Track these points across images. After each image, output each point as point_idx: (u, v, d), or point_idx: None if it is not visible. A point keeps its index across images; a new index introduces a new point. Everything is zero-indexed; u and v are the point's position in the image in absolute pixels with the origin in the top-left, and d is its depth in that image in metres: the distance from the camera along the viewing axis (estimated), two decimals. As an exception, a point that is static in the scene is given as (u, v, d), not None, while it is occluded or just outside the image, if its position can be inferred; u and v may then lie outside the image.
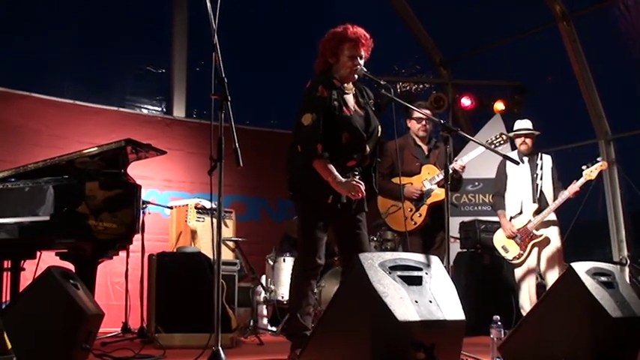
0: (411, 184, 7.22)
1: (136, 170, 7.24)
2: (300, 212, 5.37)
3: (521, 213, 7.98)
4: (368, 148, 5.40)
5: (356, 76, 5.33)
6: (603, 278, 4.62)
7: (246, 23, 11.36)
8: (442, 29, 12.66)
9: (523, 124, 8.18)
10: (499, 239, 8.13)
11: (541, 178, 7.94)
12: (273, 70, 11.99)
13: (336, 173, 5.11)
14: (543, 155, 8.12)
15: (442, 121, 5.48)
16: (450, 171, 6.89)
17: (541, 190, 7.91)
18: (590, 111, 11.14)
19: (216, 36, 4.30)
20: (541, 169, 7.98)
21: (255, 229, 10.86)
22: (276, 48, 12.03)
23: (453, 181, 7.04)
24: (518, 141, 8.13)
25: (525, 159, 8.07)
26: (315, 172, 5.14)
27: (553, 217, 7.91)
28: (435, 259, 4.06)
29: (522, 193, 8.01)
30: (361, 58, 5.32)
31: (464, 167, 7.06)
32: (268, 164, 10.37)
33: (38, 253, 6.53)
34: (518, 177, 8.06)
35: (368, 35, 5.35)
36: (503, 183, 8.18)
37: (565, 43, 10.98)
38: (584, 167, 7.67)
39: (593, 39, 10.91)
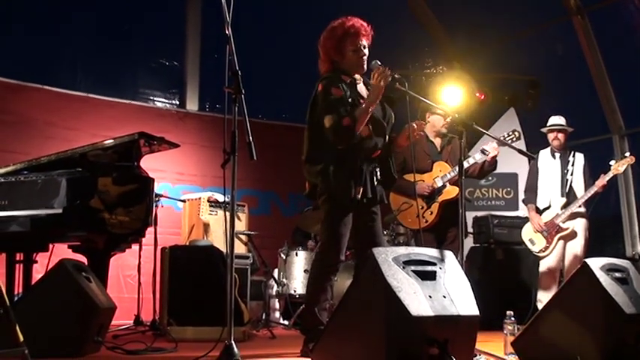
0: (423, 181, 7.19)
1: (148, 163, 7.25)
2: (327, 211, 5.33)
3: (549, 207, 8.05)
4: (387, 137, 5.40)
5: (365, 67, 5.31)
6: (617, 274, 4.59)
7: (258, 16, 11.32)
8: (455, 22, 12.60)
9: (556, 119, 8.24)
10: (527, 232, 8.21)
11: (571, 174, 8.01)
12: (285, 63, 11.96)
13: (364, 105, 5.19)
14: (576, 153, 8.20)
15: (457, 115, 5.44)
16: (485, 158, 6.89)
17: (570, 186, 7.99)
18: (604, 106, 11.08)
19: (229, 28, 4.28)
20: (572, 165, 8.06)
21: (266, 223, 10.85)
22: (289, 41, 11.99)
23: (487, 167, 7.04)
24: (550, 136, 8.22)
25: (557, 155, 8.17)
26: (341, 168, 5.16)
27: (582, 211, 7.98)
28: (449, 254, 4.04)
29: (552, 188, 8.09)
30: (365, 48, 5.32)
31: (497, 150, 6.98)
32: (280, 158, 10.35)
33: (51, 246, 6.54)
34: (549, 172, 8.16)
35: (365, 23, 5.34)
36: (534, 178, 8.28)
37: (579, 37, 10.92)
38: (612, 162, 7.77)
39: (608, 34, 10.86)
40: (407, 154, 6.83)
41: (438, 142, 7.43)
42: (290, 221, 10.86)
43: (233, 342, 4.04)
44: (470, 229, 9.48)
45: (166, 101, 11.37)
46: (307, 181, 5.45)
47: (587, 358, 3.99)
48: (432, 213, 7.12)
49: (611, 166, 7.75)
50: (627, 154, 7.90)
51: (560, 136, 8.12)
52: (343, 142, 5.16)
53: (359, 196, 5.20)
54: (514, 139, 7.07)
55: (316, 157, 5.28)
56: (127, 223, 6.47)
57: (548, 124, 8.26)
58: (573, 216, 7.92)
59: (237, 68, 4.25)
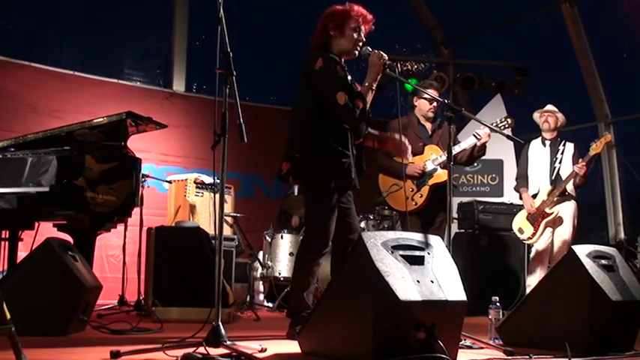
0: (413, 163, 7.20)
1: (132, 144, 7.22)
2: (313, 194, 5.30)
3: (537, 194, 8.16)
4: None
5: (356, 52, 5.30)
6: (604, 261, 4.62)
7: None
8: (444, 8, 12.61)
9: (548, 106, 8.34)
10: (517, 222, 8.33)
11: (560, 162, 8.09)
12: (273, 46, 11.94)
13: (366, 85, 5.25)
14: (567, 143, 8.26)
15: (447, 101, 5.44)
16: (476, 142, 6.92)
17: (558, 173, 8.08)
18: (590, 94, 11.15)
19: (222, 9, 4.25)
20: (562, 154, 8.14)
21: (249, 205, 10.80)
22: (277, 25, 11.98)
23: (476, 153, 7.07)
24: (541, 120, 8.30)
25: (548, 143, 8.27)
26: (334, 153, 5.15)
27: (569, 196, 8.07)
28: (437, 239, 4.04)
29: (541, 176, 8.21)
30: (363, 35, 5.31)
31: (488, 135, 6.99)
32: (265, 141, 10.28)
33: (36, 224, 6.52)
34: (538, 160, 8.26)
35: (371, 17, 5.33)
36: (525, 166, 8.40)
37: (567, 25, 10.95)
38: (591, 143, 7.85)
39: (596, 22, 10.89)
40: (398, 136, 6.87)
41: (428, 126, 7.43)
42: (274, 204, 10.85)
43: (220, 323, 4.03)
44: (455, 215, 9.50)
45: (152, 81, 11.33)
46: (285, 162, 5.35)
47: (573, 345, 4.00)
48: (421, 196, 7.12)
49: (590, 147, 7.83)
50: (605, 132, 7.97)
51: (550, 119, 8.17)
52: (354, 122, 5.17)
53: (345, 181, 5.23)
54: (506, 125, 7.08)
55: (308, 138, 5.24)
56: (111, 201, 6.45)
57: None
58: (561, 200, 8.01)
59: (229, 50, 4.22)
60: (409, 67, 12.13)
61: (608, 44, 10.95)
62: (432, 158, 7.19)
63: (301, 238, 8.29)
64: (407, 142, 5.63)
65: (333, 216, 5.22)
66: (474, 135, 7.01)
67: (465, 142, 7.08)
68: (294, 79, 5.44)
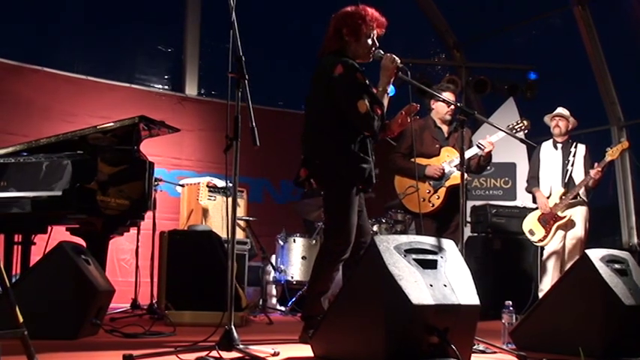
0: (429, 165, 7.21)
1: (144, 148, 7.22)
2: (336, 200, 5.25)
3: (549, 197, 8.16)
4: None
5: (371, 57, 5.29)
6: (617, 266, 4.60)
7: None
8: (456, 12, 12.60)
9: (560, 109, 8.32)
10: (527, 223, 8.35)
11: (572, 165, 8.11)
12: (282, 50, 11.95)
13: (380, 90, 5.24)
14: (578, 144, 8.28)
15: (460, 104, 5.43)
16: (480, 152, 6.94)
17: (570, 176, 8.09)
18: (603, 97, 11.12)
19: (234, 13, 4.26)
20: (573, 156, 8.16)
21: (258, 210, 10.79)
22: (286, 29, 12.00)
23: (482, 162, 7.08)
24: (552, 124, 8.32)
25: (559, 146, 8.28)
26: (355, 158, 5.13)
27: (582, 199, 8.08)
28: (450, 243, 4.03)
29: (553, 179, 8.23)
30: (376, 39, 5.29)
31: (492, 145, 7.00)
32: (274, 145, 10.25)
33: (49, 228, 6.53)
34: (551, 163, 8.28)
35: (384, 19, 5.31)
36: (536, 167, 8.42)
37: (580, 27, 10.92)
38: (607, 149, 7.83)
39: (608, 25, 10.87)
40: (413, 139, 6.91)
41: (445, 128, 7.45)
42: (282, 208, 10.88)
43: (233, 327, 4.04)
44: (468, 219, 9.48)
45: (162, 87, 11.34)
46: (304, 168, 5.33)
47: (586, 350, 3.99)
48: (438, 197, 7.14)
49: (606, 152, 7.81)
50: (622, 139, 7.96)
51: (561, 123, 8.17)
52: (374, 130, 5.14)
53: (364, 184, 5.22)
54: (522, 127, 7.08)
55: (326, 143, 5.22)
56: (125, 206, 6.46)
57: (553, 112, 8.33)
58: (573, 204, 8.00)
59: (241, 53, 4.23)
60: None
61: (621, 47, 10.92)
62: (449, 160, 7.19)
63: (313, 241, 8.33)
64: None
65: (354, 221, 5.19)
66: (478, 145, 7.03)
67: (469, 153, 7.10)
68: (301, 82, 5.42)
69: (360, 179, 5.16)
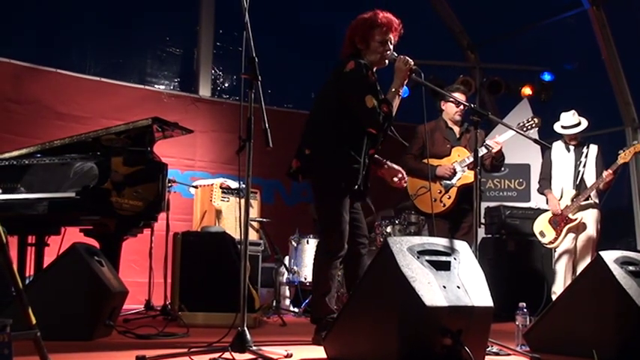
0: (440, 165, 7.21)
1: (157, 149, 7.23)
2: (323, 195, 5.29)
3: (561, 198, 8.14)
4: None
5: (387, 61, 5.28)
6: (631, 267, 4.57)
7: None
8: (470, 13, 12.58)
9: (569, 118, 8.24)
10: (538, 225, 8.32)
11: (584, 166, 8.08)
12: (293, 51, 11.94)
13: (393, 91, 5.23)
14: (590, 145, 8.25)
15: (473, 105, 5.42)
16: (486, 150, 6.94)
17: (582, 178, 8.06)
18: (617, 98, 11.07)
19: (247, 15, 4.26)
20: (586, 157, 8.12)
21: (269, 211, 10.77)
22: (298, 31, 11.99)
23: (495, 162, 7.08)
24: (564, 133, 8.28)
25: (572, 148, 8.26)
26: (344, 156, 5.13)
27: (593, 202, 8.04)
28: (463, 245, 4.02)
29: (564, 180, 8.19)
30: (391, 44, 5.27)
31: (499, 145, 7.00)
32: (284, 146, 10.18)
33: (63, 229, 6.55)
34: (562, 164, 8.25)
35: (398, 21, 5.29)
36: (548, 168, 8.38)
37: (594, 28, 10.88)
38: (620, 152, 7.76)
39: (623, 25, 10.82)
40: (425, 140, 6.99)
41: (456, 129, 7.49)
42: (292, 210, 10.86)
43: (246, 328, 4.04)
44: (482, 220, 9.46)
45: (178, 87, 11.35)
46: (296, 159, 5.40)
47: (600, 352, 3.97)
48: (449, 197, 7.15)
49: (619, 155, 7.75)
50: (635, 142, 7.92)
51: (573, 134, 8.16)
52: (379, 126, 5.14)
53: (357, 186, 5.19)
54: (533, 125, 7.06)
55: (326, 139, 5.23)
56: (139, 207, 6.47)
57: (560, 122, 8.29)
58: (584, 207, 7.97)
59: (254, 55, 4.23)
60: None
61: (636, 48, 10.86)
62: (460, 160, 7.19)
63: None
64: (404, 172, 5.63)
65: (345, 217, 5.18)
66: (485, 146, 7.02)
67: (485, 148, 7.09)
68: (313, 84, 5.42)
69: (344, 178, 5.15)
